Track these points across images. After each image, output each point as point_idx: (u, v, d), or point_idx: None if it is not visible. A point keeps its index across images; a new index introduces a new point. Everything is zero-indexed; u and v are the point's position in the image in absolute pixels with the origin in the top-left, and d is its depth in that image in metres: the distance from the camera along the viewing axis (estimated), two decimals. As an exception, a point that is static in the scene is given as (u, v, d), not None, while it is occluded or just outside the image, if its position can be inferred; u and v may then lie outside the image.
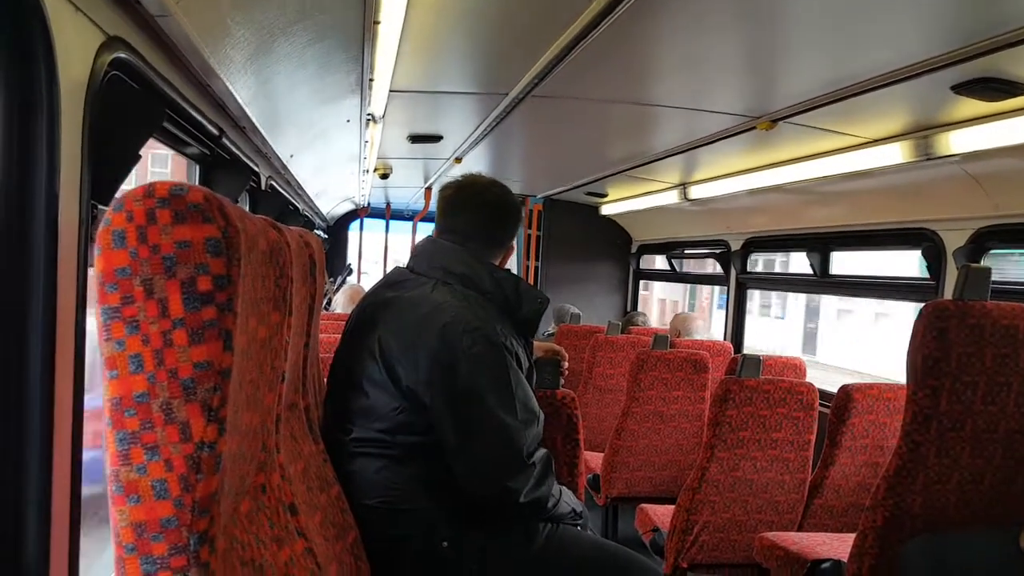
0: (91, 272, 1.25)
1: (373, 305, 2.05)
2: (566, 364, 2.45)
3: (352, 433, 1.96)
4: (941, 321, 2.02)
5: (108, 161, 1.39)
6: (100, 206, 1.34)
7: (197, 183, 2.56)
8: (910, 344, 2.08)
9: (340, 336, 2.14)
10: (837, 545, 2.62)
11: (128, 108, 1.49)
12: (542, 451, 2.00)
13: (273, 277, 1.12)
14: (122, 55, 1.42)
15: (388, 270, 7.78)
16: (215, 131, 2.25)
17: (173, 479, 0.84)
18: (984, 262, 3.13)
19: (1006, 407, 2.09)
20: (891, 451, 2.16)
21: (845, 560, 2.30)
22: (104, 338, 0.84)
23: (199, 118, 2.06)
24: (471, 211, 2.14)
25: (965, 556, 2.05)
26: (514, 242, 2.26)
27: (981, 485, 2.15)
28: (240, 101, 2.22)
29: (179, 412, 0.83)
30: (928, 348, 2.04)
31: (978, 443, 2.11)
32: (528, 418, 1.94)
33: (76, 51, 1.25)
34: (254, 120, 2.49)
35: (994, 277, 2.11)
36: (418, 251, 2.16)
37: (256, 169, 3.09)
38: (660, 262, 6.88)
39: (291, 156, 3.58)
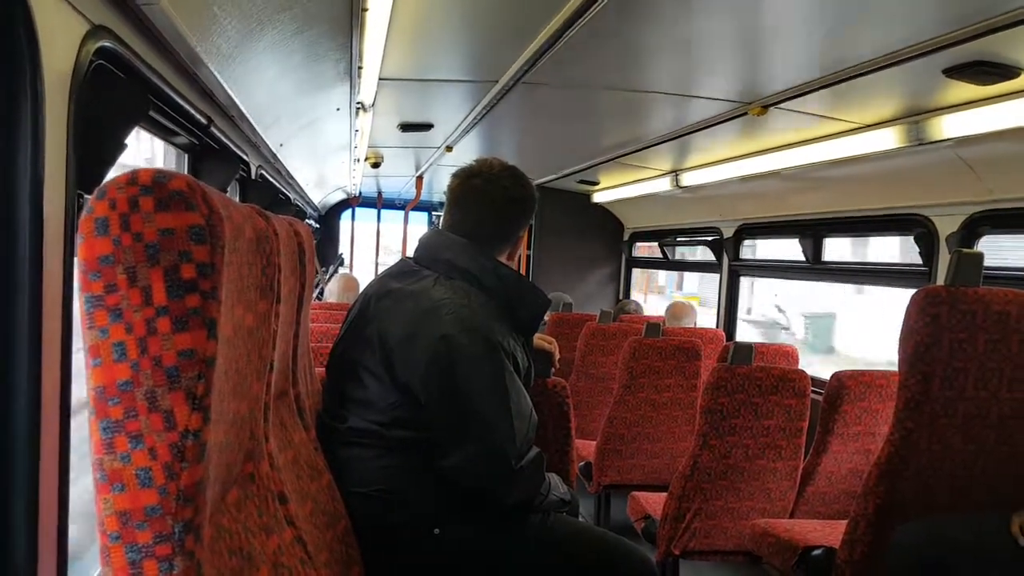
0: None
1: (377, 296, 2.03)
2: (557, 355, 2.44)
3: (347, 422, 1.95)
4: (933, 307, 2.03)
5: (94, 150, 1.38)
6: (86, 196, 1.33)
7: (186, 173, 2.55)
8: (902, 330, 2.08)
9: (331, 325, 2.12)
10: (829, 532, 2.63)
11: (114, 97, 1.48)
12: (534, 451, 1.98)
13: (260, 265, 1.11)
14: (107, 44, 1.41)
15: (380, 261, 7.77)
16: (203, 120, 2.23)
17: (157, 468, 0.83)
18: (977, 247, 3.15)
19: (998, 393, 2.09)
20: (883, 438, 2.17)
21: (837, 547, 2.31)
22: (87, 326, 0.83)
23: (187, 107, 2.04)
24: (476, 206, 2.09)
25: (957, 542, 2.06)
26: (524, 232, 2.20)
27: (973, 471, 2.16)
28: (228, 90, 2.20)
29: (163, 400, 0.83)
30: (920, 334, 2.04)
31: (970, 429, 2.11)
32: (521, 422, 1.92)
33: (60, 41, 1.24)
34: (243, 109, 2.47)
35: (986, 262, 2.11)
36: (423, 242, 2.13)
37: (246, 158, 3.08)
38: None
39: (281, 145, 3.57)
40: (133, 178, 0.84)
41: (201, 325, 0.84)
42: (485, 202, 2.09)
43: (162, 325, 0.83)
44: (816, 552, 2.51)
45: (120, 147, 1.47)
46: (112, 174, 1.42)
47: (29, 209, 1.15)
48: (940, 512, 2.16)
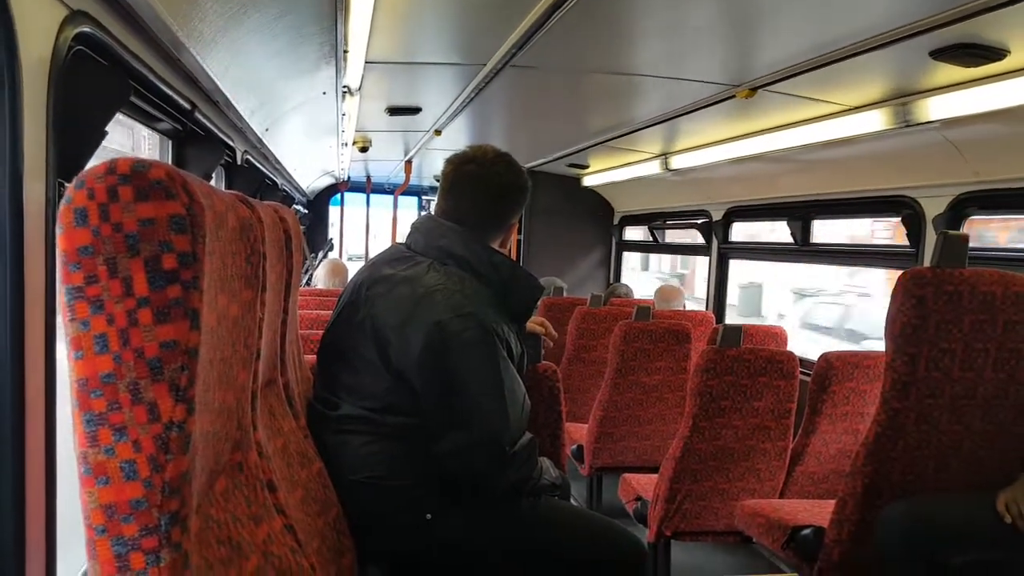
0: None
1: (369, 282, 2.03)
2: (553, 334, 2.44)
3: (340, 409, 1.95)
4: (919, 288, 2.03)
5: (75, 138, 1.36)
6: (67, 184, 1.31)
7: (170, 159, 2.53)
8: (888, 311, 2.09)
9: (321, 311, 2.11)
10: (818, 512, 2.65)
11: (94, 83, 1.46)
12: (527, 437, 1.99)
13: (244, 254, 1.10)
14: (86, 29, 1.39)
15: (370, 246, 7.71)
16: (187, 105, 2.21)
17: (142, 460, 0.82)
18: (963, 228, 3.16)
19: (983, 373, 2.11)
20: (871, 418, 2.18)
21: (826, 526, 2.33)
22: (68, 318, 0.82)
23: (170, 92, 2.02)
24: (470, 192, 2.08)
25: (943, 520, 2.08)
26: (517, 219, 2.20)
27: (959, 451, 2.17)
28: (212, 75, 2.18)
29: (146, 392, 0.82)
30: (906, 315, 2.05)
31: (956, 409, 2.13)
32: (514, 407, 1.93)
33: (38, 26, 1.22)
34: (227, 94, 2.45)
35: (972, 243, 2.12)
36: (416, 228, 2.13)
37: (231, 144, 3.05)
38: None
39: (267, 130, 3.54)
40: (112, 167, 0.83)
41: (183, 316, 0.84)
42: (479, 189, 2.08)
43: (144, 316, 0.82)
44: (805, 531, 2.53)
45: (101, 134, 1.46)
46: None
47: (8, 199, 1.14)
48: (927, 491, 2.18)
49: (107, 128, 1.47)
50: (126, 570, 0.83)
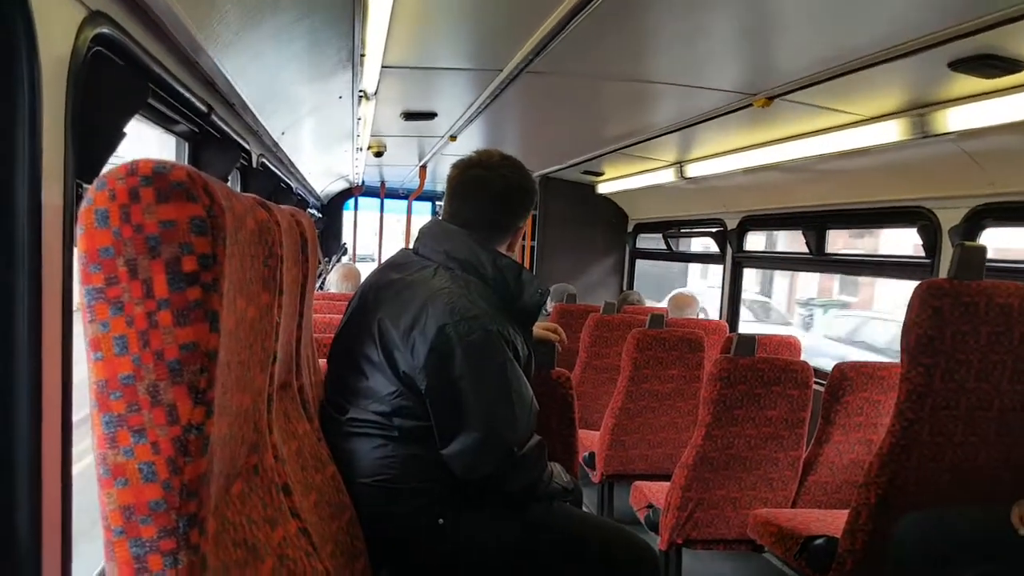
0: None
1: (376, 286, 2.04)
2: (564, 341, 2.44)
3: (348, 413, 1.96)
4: (935, 299, 2.02)
5: (93, 139, 1.37)
6: (86, 184, 1.32)
7: (186, 161, 2.54)
8: (904, 322, 2.08)
9: (333, 315, 2.12)
10: (831, 521, 2.64)
11: (113, 85, 1.46)
12: (535, 439, 1.99)
13: (262, 257, 1.11)
14: (105, 30, 1.39)
15: (383, 251, 7.73)
16: (203, 108, 2.22)
17: (161, 462, 0.83)
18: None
19: (1000, 385, 2.09)
20: (885, 429, 2.17)
21: (839, 536, 2.31)
22: (88, 319, 0.82)
23: (187, 95, 2.03)
24: (476, 196, 2.09)
25: (958, 533, 2.07)
26: (524, 223, 2.20)
27: (975, 463, 2.16)
28: (229, 77, 2.19)
29: (165, 394, 0.82)
30: (922, 326, 2.04)
31: (971, 421, 2.12)
32: (522, 409, 1.93)
33: (57, 27, 1.22)
34: (243, 97, 2.46)
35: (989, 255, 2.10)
36: (423, 233, 2.14)
37: (247, 147, 3.06)
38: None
39: (282, 133, 3.55)
40: (133, 169, 0.83)
41: (203, 318, 0.84)
42: (484, 192, 2.09)
43: (163, 318, 0.82)
44: (818, 541, 2.51)
45: (119, 135, 1.46)
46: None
47: (27, 199, 1.14)
48: (941, 503, 2.17)
49: (125, 130, 1.48)
50: (144, 572, 0.83)
